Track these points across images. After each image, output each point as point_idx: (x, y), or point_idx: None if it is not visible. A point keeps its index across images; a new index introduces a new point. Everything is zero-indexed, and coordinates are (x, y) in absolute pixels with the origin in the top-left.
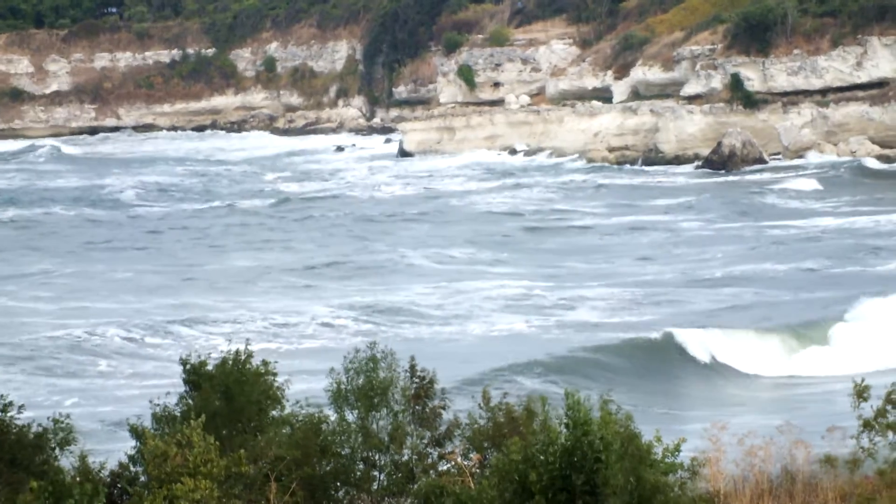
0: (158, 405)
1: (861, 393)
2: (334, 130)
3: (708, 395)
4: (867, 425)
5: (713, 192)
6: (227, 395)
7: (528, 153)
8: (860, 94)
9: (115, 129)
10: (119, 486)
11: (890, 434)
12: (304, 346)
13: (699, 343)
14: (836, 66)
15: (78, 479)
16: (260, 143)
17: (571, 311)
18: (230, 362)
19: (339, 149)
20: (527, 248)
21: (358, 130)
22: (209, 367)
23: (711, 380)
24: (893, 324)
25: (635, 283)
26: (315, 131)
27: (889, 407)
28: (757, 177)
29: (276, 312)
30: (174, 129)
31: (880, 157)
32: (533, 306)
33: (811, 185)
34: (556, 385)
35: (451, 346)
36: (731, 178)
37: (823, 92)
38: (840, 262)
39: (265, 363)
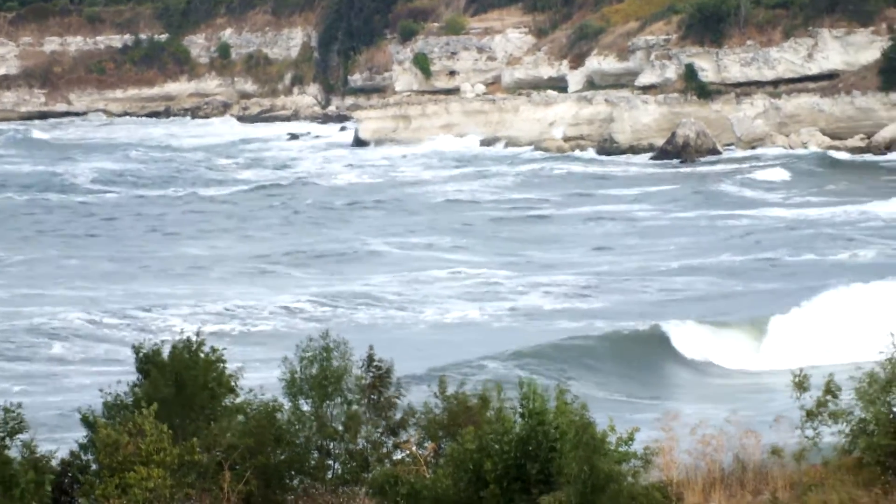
0: (109, 394)
1: (801, 384)
2: (289, 118)
3: (681, 386)
4: (810, 415)
5: (670, 181)
6: (179, 383)
7: (483, 142)
8: (811, 85)
9: (66, 114)
10: (70, 474)
11: (831, 423)
12: (261, 332)
13: (683, 336)
14: (787, 58)
15: (26, 467)
16: (219, 129)
17: (527, 299)
18: (182, 349)
19: (294, 136)
20: (485, 237)
21: (313, 118)
22: (162, 355)
23: (690, 372)
24: (859, 312)
25: (591, 272)
26: (270, 119)
27: (829, 397)
28: (710, 168)
29: (233, 300)
30: (126, 115)
31: (828, 148)
32: (490, 293)
33: (780, 175)
34: (535, 373)
35: (418, 334)
36: (685, 168)
37: (775, 83)
38: (799, 251)
39: (214, 350)
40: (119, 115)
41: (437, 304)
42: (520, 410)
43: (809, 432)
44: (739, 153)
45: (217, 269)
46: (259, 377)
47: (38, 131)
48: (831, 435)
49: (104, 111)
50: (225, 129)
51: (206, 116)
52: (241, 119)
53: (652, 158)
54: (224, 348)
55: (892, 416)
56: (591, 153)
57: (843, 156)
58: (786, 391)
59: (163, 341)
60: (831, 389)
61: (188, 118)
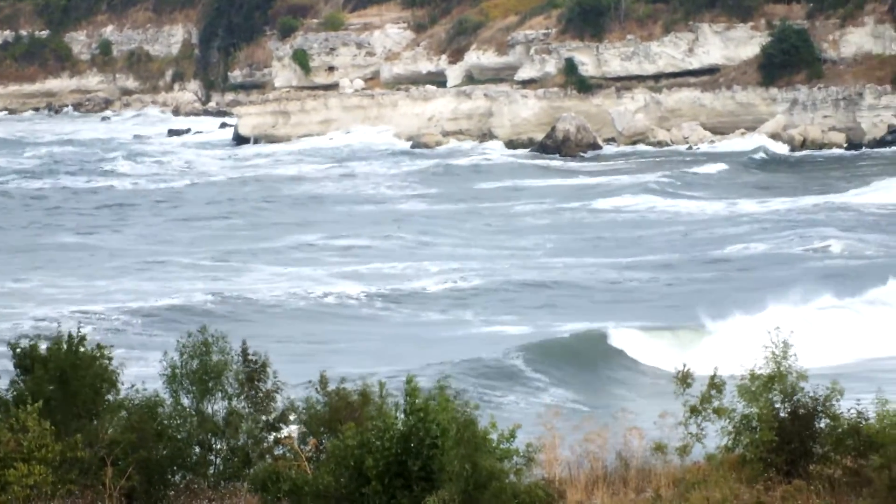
0: None
1: (684, 379)
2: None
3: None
4: (694, 411)
5: (548, 175)
6: (62, 379)
7: (363, 137)
8: (692, 80)
9: None
10: None
11: (715, 419)
12: (146, 329)
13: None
14: (668, 52)
15: None
16: (101, 126)
17: (404, 289)
18: (64, 345)
19: (174, 133)
20: (362, 230)
21: (194, 114)
22: (41, 351)
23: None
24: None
25: (464, 265)
26: (150, 115)
27: (713, 392)
28: (592, 164)
29: (118, 292)
30: (6, 110)
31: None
32: (375, 283)
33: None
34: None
35: (341, 335)
36: (565, 162)
37: (656, 77)
38: (688, 250)
39: (99, 346)
40: None
41: (318, 297)
42: (403, 407)
43: (693, 428)
44: (619, 149)
45: (102, 263)
46: (141, 371)
47: None
48: (716, 433)
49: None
50: (104, 125)
51: (91, 112)
52: (175, 113)
53: (532, 151)
54: (111, 346)
55: (774, 412)
56: (470, 147)
57: (790, 153)
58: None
59: (39, 336)
60: (715, 384)
61: (93, 114)
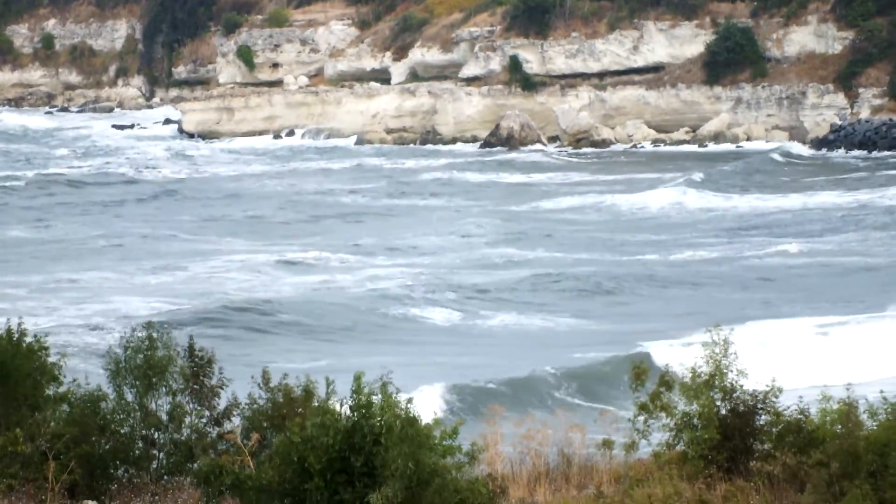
0: None
1: (639, 376)
2: (112, 109)
3: None
4: (643, 408)
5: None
6: (1, 373)
7: (306, 134)
8: (637, 78)
9: None
10: None
11: (664, 416)
12: (83, 322)
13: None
14: (613, 50)
15: None
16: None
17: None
18: (3, 339)
19: (118, 127)
20: (300, 229)
21: (137, 110)
22: None
23: None
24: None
25: (418, 262)
26: (94, 110)
27: (663, 389)
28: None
29: (47, 286)
30: None
31: (656, 142)
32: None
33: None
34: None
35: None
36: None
37: (601, 75)
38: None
39: (37, 339)
40: None
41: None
42: (349, 403)
43: (640, 425)
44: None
45: (55, 259)
46: (84, 366)
47: None
48: (658, 430)
49: None
50: (48, 119)
51: (29, 106)
52: (64, 110)
53: (480, 147)
54: (46, 335)
55: (715, 409)
56: (412, 144)
57: (809, 151)
58: None
59: None
60: (665, 381)
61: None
